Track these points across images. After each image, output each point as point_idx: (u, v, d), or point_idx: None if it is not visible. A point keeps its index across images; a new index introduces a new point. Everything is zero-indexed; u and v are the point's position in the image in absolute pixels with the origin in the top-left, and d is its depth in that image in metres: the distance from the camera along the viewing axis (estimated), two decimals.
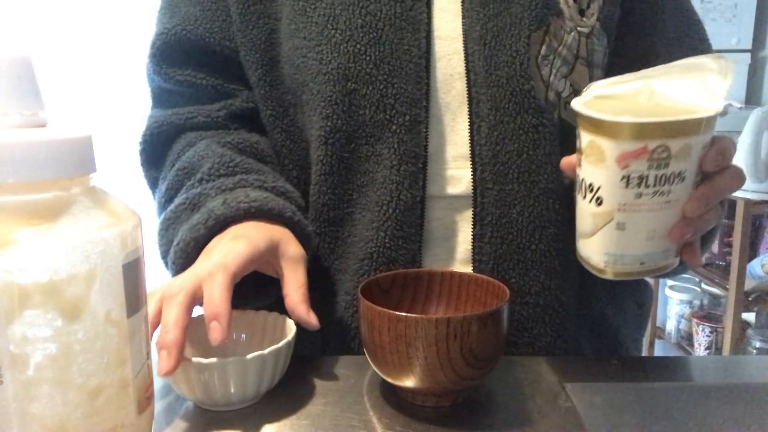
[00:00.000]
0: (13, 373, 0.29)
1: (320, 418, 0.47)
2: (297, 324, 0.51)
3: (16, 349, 0.29)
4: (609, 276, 0.50)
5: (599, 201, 0.48)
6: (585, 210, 0.49)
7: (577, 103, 0.48)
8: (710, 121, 0.45)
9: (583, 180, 0.49)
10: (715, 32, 2.21)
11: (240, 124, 0.66)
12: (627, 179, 0.46)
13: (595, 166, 0.47)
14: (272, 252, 0.52)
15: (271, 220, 0.54)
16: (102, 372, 0.31)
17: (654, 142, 0.44)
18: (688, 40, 0.68)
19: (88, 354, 0.30)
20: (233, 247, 0.49)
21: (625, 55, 0.66)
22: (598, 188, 0.47)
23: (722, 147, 0.46)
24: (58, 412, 0.30)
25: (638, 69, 0.50)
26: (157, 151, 0.68)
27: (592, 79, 0.61)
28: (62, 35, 1.94)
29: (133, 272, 0.33)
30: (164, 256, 0.59)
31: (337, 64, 0.58)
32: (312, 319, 0.50)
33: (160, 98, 0.70)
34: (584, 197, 0.49)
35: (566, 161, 0.53)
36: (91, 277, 0.30)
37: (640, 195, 0.46)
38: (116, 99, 1.93)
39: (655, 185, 0.46)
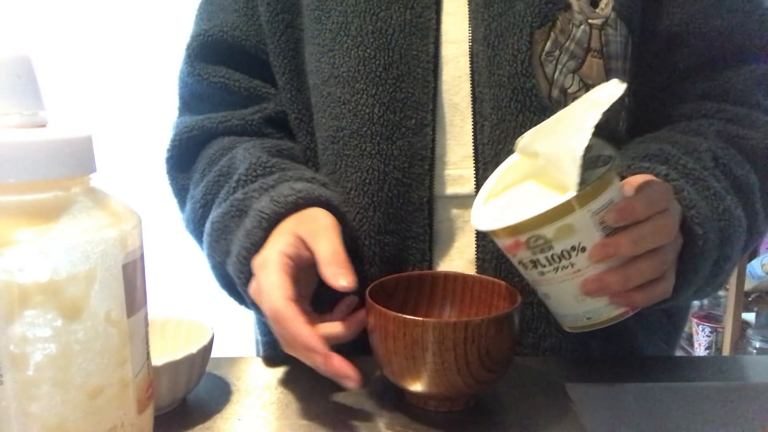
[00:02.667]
0: (13, 373, 0.29)
1: (320, 417, 0.47)
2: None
3: (16, 349, 0.29)
4: (567, 329, 0.49)
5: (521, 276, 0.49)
6: None
7: (476, 209, 0.48)
8: (581, 198, 0.41)
9: None
10: None
11: (274, 128, 0.66)
12: (522, 264, 0.46)
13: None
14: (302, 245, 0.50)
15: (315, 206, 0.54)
16: (102, 372, 0.31)
17: (523, 235, 0.43)
18: (728, 2, 0.62)
19: (88, 354, 0.30)
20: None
21: (658, 36, 0.63)
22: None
23: (622, 206, 0.43)
24: (58, 412, 0.30)
25: (672, 52, 0.53)
26: (186, 156, 0.67)
27: (608, 71, 0.60)
28: (62, 35, 1.94)
29: (133, 272, 0.33)
30: (217, 267, 0.58)
31: (348, 68, 0.59)
32: (342, 281, 0.46)
33: (189, 105, 0.70)
34: None
35: None
36: (91, 277, 0.30)
37: (542, 273, 0.45)
38: (116, 99, 1.93)
39: (550, 263, 0.44)
